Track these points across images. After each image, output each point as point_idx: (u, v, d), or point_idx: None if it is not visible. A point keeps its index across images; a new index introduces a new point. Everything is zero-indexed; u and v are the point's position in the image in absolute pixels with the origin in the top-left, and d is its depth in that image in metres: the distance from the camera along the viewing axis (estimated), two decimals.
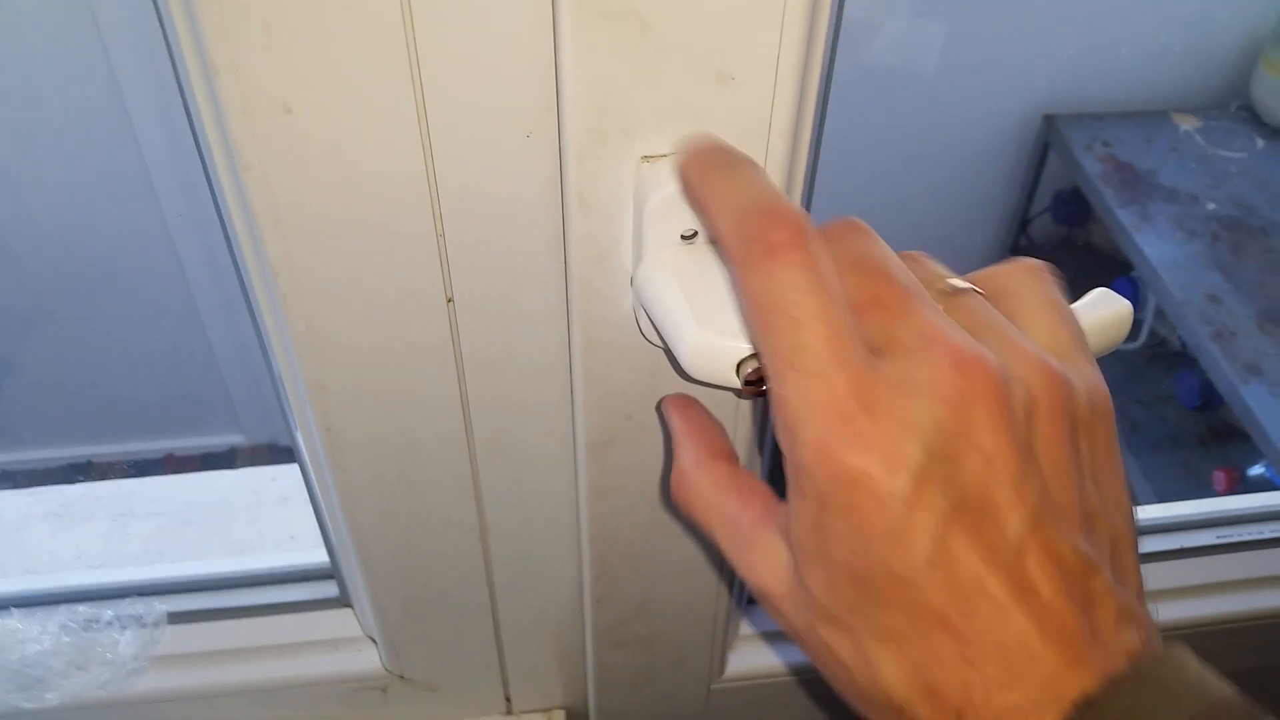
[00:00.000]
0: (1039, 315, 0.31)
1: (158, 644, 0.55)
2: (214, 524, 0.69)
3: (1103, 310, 0.34)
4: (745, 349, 0.31)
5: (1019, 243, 2.03)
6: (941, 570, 0.26)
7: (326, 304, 0.37)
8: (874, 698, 0.28)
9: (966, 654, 0.26)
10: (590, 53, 0.30)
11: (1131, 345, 1.81)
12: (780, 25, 0.31)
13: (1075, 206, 1.96)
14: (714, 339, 0.31)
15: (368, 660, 0.57)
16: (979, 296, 0.31)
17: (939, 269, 0.32)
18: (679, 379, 0.40)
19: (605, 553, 0.47)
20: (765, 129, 0.33)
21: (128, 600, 0.55)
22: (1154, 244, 1.64)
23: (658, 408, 0.41)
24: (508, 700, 0.60)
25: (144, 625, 0.54)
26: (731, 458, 0.34)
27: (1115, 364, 1.83)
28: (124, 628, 0.54)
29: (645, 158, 0.33)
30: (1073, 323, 0.31)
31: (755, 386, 0.31)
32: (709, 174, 0.31)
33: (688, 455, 0.34)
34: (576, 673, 0.58)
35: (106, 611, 0.54)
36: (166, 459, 1.94)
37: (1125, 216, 1.69)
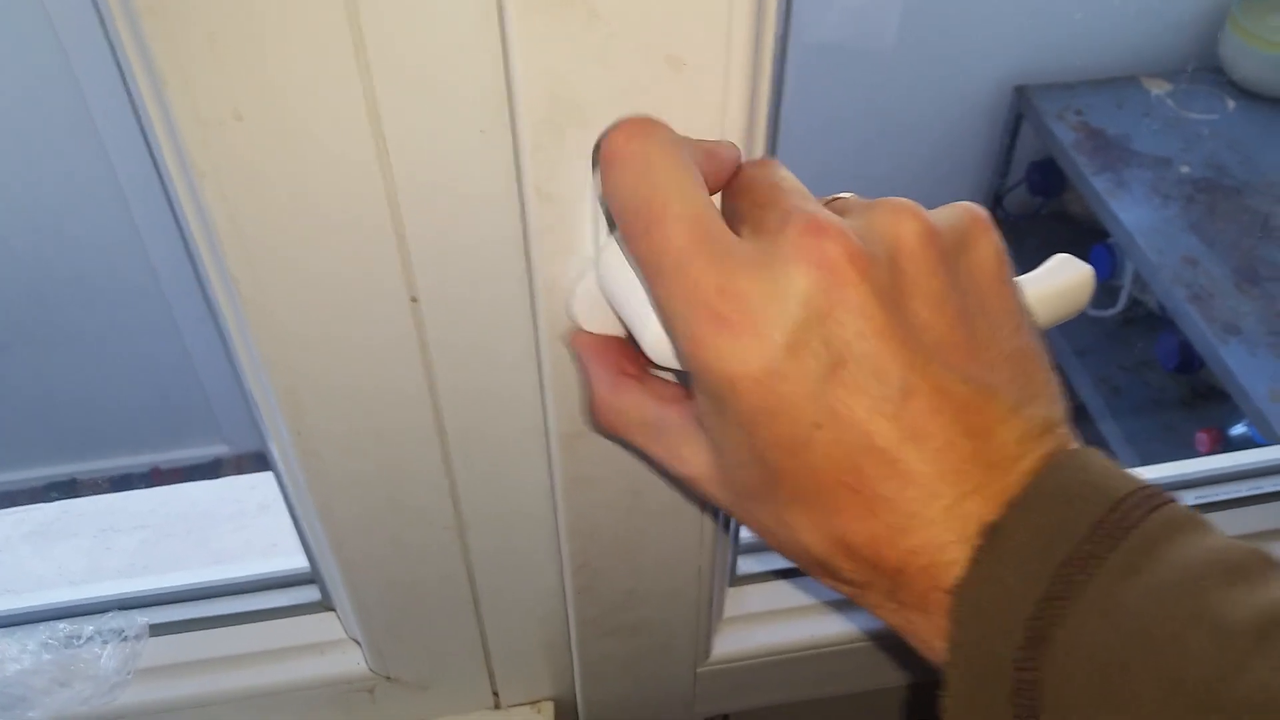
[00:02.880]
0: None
1: (140, 657, 0.54)
2: (197, 535, 0.68)
3: (1063, 275, 0.34)
4: None
5: (995, 215, 2.03)
6: (829, 431, 0.27)
7: (290, 309, 0.37)
8: (800, 556, 0.30)
9: (867, 506, 0.27)
10: (538, 43, 0.30)
11: (1110, 311, 1.81)
12: (729, 5, 0.30)
13: (1050, 177, 1.96)
14: None
15: (353, 662, 0.57)
16: (855, 197, 0.32)
17: None
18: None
19: (584, 544, 0.47)
20: (720, 112, 0.33)
21: (108, 615, 0.55)
22: (1129, 210, 1.65)
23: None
24: (495, 695, 0.60)
25: (126, 639, 0.54)
26: (642, 369, 0.34)
27: (1095, 330, 1.84)
28: (106, 642, 0.54)
29: None
30: None
31: None
32: None
33: (602, 381, 0.34)
34: (563, 664, 0.58)
35: (87, 627, 0.54)
36: (152, 473, 1.93)
37: (1100, 184, 1.70)
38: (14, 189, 1.59)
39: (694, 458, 0.31)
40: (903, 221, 0.28)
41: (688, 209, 0.28)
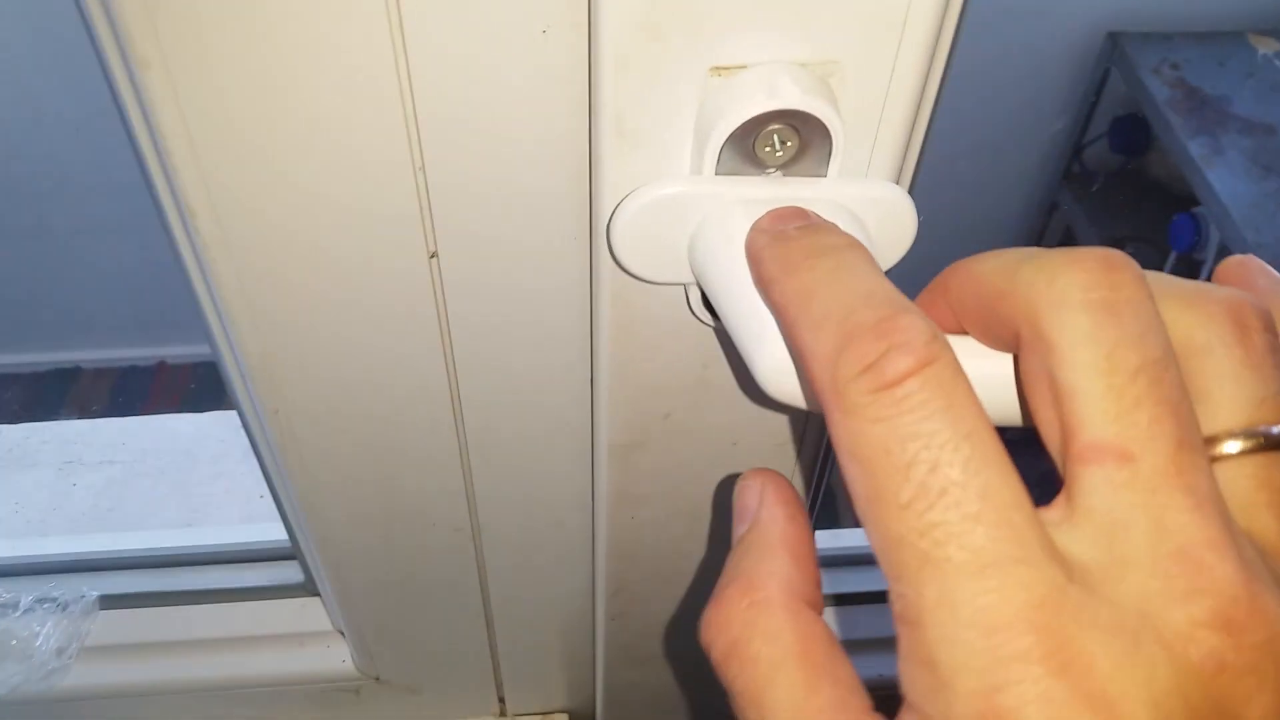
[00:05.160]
0: None
1: (87, 635, 0.46)
2: (172, 476, 0.60)
3: None
4: None
5: (1071, 169, 1.90)
6: None
7: (267, 254, 0.28)
8: None
9: None
10: None
11: None
12: None
13: (1135, 134, 1.82)
14: None
15: (336, 658, 0.48)
16: None
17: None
18: (732, 372, 0.30)
19: (625, 568, 0.38)
20: (901, 21, 0.22)
21: (52, 583, 0.46)
22: (1225, 180, 1.51)
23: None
24: (501, 701, 0.52)
25: (70, 614, 0.45)
26: (821, 609, 0.22)
27: None
28: (47, 617, 0.45)
29: (716, 69, 0.22)
30: None
31: None
32: (790, 257, 0.21)
33: (777, 582, 0.22)
34: (582, 677, 0.50)
35: (26, 596, 0.45)
36: (159, 366, 1.86)
37: (1194, 148, 1.56)
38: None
39: None
40: None
41: (1002, 486, 0.18)
